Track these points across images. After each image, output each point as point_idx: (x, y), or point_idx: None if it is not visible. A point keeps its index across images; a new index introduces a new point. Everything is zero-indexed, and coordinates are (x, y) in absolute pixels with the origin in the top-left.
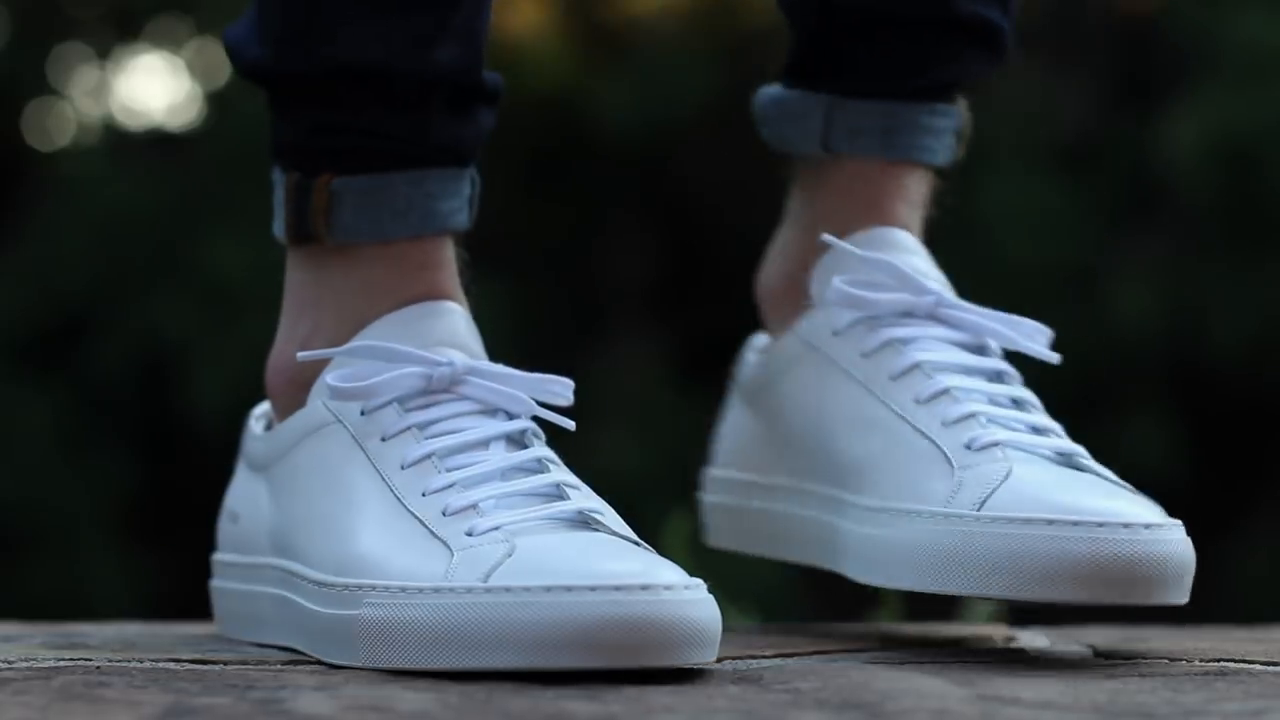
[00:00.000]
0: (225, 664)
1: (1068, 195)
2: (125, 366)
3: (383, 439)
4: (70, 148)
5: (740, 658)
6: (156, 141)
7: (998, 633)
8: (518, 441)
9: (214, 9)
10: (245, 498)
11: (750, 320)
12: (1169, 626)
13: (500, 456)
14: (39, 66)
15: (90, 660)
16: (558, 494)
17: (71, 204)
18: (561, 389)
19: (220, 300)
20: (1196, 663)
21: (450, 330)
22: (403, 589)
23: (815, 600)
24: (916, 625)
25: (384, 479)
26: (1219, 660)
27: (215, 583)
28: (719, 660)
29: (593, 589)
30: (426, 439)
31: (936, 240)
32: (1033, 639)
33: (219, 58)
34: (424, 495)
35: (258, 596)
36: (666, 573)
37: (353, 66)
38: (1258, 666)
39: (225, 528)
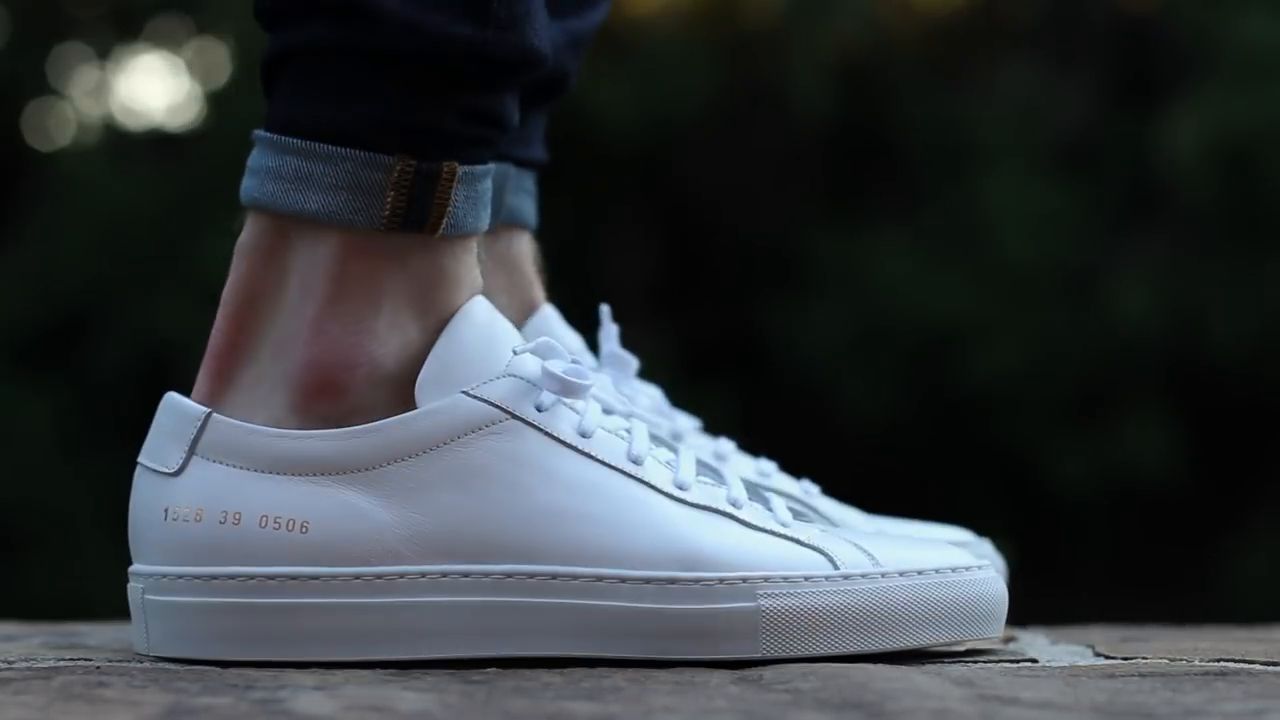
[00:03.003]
0: (225, 664)
1: (1068, 195)
2: (125, 366)
3: (583, 435)
4: (70, 148)
5: (741, 657)
6: (156, 141)
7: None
8: (657, 437)
9: (214, 9)
10: (301, 504)
11: (749, 319)
12: (1169, 626)
13: (687, 451)
14: (39, 66)
15: (90, 660)
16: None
17: (71, 204)
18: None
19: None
20: (1196, 663)
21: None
22: (806, 578)
23: None
24: None
25: (632, 477)
26: (1219, 660)
27: (256, 600)
28: (715, 663)
29: (967, 568)
30: (624, 435)
31: (938, 240)
32: (1033, 639)
33: (219, 57)
34: (683, 489)
35: (420, 608)
36: None
37: (537, 55)
38: (1258, 666)
39: (269, 536)
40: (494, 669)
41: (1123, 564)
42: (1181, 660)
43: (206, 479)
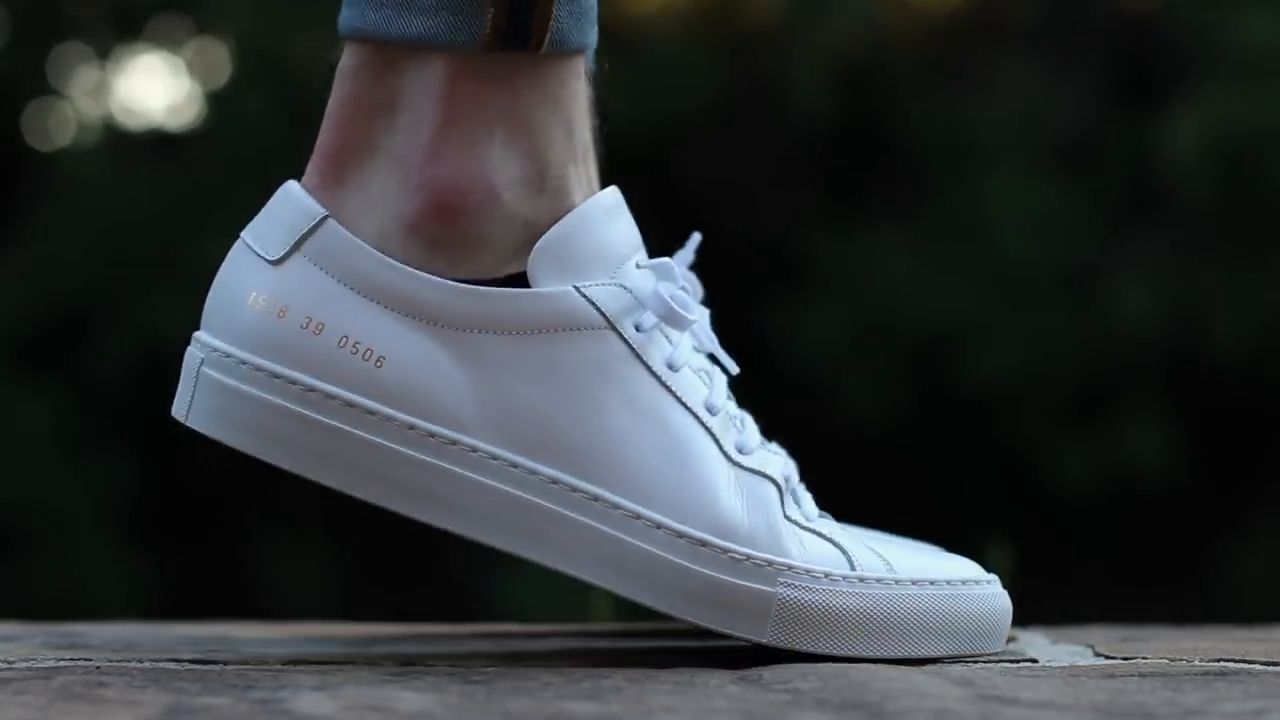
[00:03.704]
0: (225, 664)
1: (1068, 195)
2: (126, 366)
3: (671, 368)
4: (70, 148)
5: (743, 637)
6: (156, 141)
7: None
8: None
9: (214, 9)
10: (385, 338)
11: (749, 319)
12: (1169, 626)
13: (750, 423)
14: (39, 66)
15: (90, 660)
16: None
17: (71, 204)
18: None
19: None
20: (1196, 663)
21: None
22: (826, 574)
23: None
24: None
25: (703, 426)
26: (1219, 660)
27: (308, 413)
28: (716, 665)
29: (977, 582)
30: (706, 379)
31: (938, 240)
32: (1033, 639)
33: (219, 57)
34: (743, 453)
35: (460, 480)
36: None
37: None
38: (1258, 666)
39: (343, 357)
40: (494, 669)
41: (1123, 564)
42: (1181, 660)
43: (301, 279)
